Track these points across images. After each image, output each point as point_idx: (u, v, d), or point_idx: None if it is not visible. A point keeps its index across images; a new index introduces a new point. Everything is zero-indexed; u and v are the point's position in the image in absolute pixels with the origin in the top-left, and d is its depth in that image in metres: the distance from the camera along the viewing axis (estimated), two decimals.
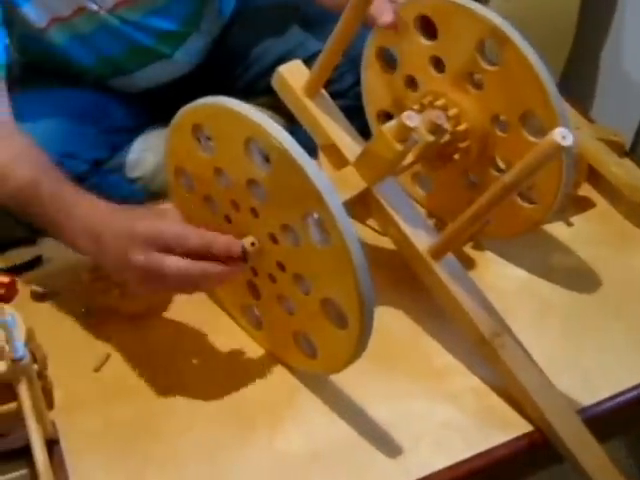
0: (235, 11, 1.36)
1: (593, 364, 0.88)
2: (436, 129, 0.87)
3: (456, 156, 0.93)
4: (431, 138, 0.87)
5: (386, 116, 1.00)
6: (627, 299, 0.95)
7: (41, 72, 1.27)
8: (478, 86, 0.89)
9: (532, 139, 0.86)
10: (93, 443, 0.80)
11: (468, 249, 1.00)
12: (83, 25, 1.16)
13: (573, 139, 0.65)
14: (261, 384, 0.85)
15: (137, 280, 0.78)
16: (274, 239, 0.77)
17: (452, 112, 0.90)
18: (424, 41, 0.91)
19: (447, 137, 0.90)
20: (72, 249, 0.83)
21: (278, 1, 1.35)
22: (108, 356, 0.87)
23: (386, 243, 0.91)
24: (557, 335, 0.91)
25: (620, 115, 1.59)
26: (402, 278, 0.89)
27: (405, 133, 0.79)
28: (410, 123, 0.77)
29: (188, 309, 0.92)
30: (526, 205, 0.91)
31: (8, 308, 0.83)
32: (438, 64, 0.91)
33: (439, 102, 0.90)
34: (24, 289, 0.93)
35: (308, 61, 0.93)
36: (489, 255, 0.99)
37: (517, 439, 0.81)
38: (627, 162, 1.06)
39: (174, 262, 0.74)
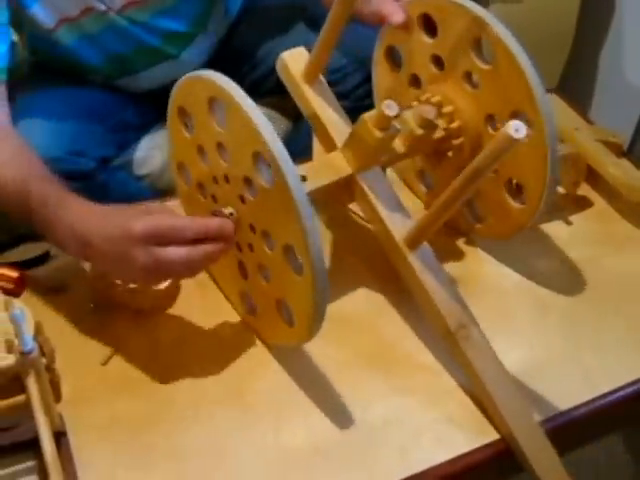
0: (242, 10, 1.36)
1: (592, 361, 0.88)
2: (427, 124, 0.88)
3: (450, 153, 0.94)
4: (420, 131, 0.88)
5: None
6: (625, 297, 0.95)
7: (50, 71, 1.27)
8: (474, 85, 0.90)
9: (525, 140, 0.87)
10: (100, 435, 0.81)
11: (469, 249, 1.01)
12: (90, 25, 1.17)
13: (526, 132, 0.66)
14: (266, 380, 0.86)
15: (143, 276, 0.80)
16: (243, 199, 0.80)
17: (446, 109, 0.91)
18: (426, 39, 0.93)
19: (441, 133, 0.91)
20: (66, 253, 0.84)
21: (285, 1, 1.36)
22: (115, 350, 0.88)
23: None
24: (556, 333, 0.92)
25: (618, 116, 1.60)
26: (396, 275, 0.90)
27: (385, 121, 0.81)
28: (389, 112, 0.79)
29: (194, 304, 0.93)
30: (516, 206, 0.92)
31: (17, 302, 0.83)
32: (438, 62, 0.93)
33: (435, 99, 0.92)
34: (33, 284, 0.93)
35: None
36: (489, 254, 1.00)
37: None
38: (625, 162, 1.07)
39: (176, 252, 0.77)
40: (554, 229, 1.03)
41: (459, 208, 0.79)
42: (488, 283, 0.96)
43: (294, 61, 0.93)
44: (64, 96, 1.22)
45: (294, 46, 0.94)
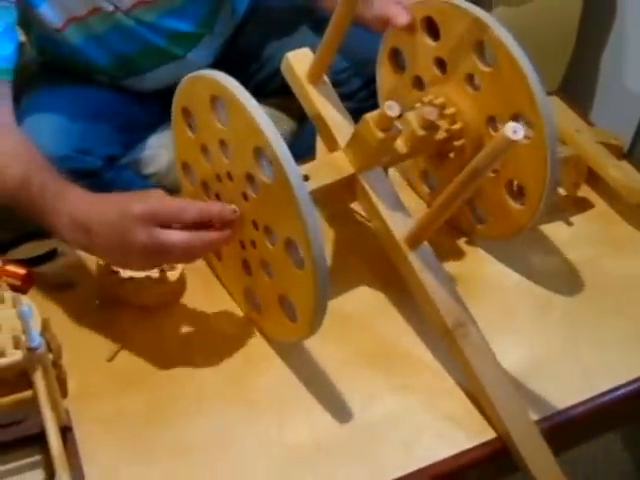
0: (248, 10, 1.36)
1: (592, 359, 0.89)
2: (429, 125, 0.89)
3: (451, 155, 0.95)
4: (422, 132, 0.89)
5: None
6: (625, 297, 0.96)
7: (58, 71, 1.28)
8: (476, 87, 0.91)
9: (524, 141, 0.87)
10: (105, 430, 0.81)
11: (470, 249, 1.01)
12: (97, 25, 1.17)
13: (525, 134, 0.67)
14: (269, 376, 0.87)
15: (141, 259, 0.80)
16: (245, 196, 0.80)
17: (449, 111, 0.92)
18: (429, 42, 0.93)
19: (443, 135, 0.92)
20: (66, 244, 0.85)
21: (290, 2, 1.37)
22: (121, 346, 0.89)
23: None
24: (556, 332, 0.92)
25: (619, 119, 1.60)
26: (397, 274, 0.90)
27: (387, 122, 0.82)
28: (391, 113, 0.80)
29: (198, 301, 0.94)
30: (517, 207, 0.92)
31: (25, 299, 0.84)
32: (441, 64, 0.93)
33: (438, 100, 0.92)
34: (40, 281, 0.94)
35: None
36: (490, 254, 1.01)
37: None
38: (625, 164, 1.07)
39: (176, 235, 0.77)
40: (555, 230, 1.03)
41: (461, 208, 0.80)
42: (489, 282, 0.97)
43: (299, 62, 0.94)
44: (71, 95, 1.23)
45: (299, 47, 0.95)
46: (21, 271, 0.92)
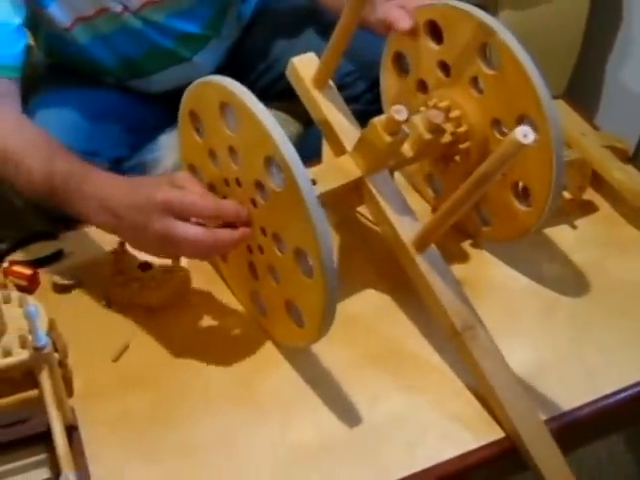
0: (255, 13, 1.37)
1: (597, 361, 0.89)
2: (435, 128, 0.90)
3: (457, 158, 0.95)
4: (428, 136, 0.90)
5: None
6: (630, 299, 0.96)
7: (66, 73, 1.29)
8: (480, 90, 0.91)
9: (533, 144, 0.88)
10: (111, 430, 0.82)
11: (475, 252, 1.01)
12: (104, 26, 1.18)
13: (534, 138, 0.67)
14: (274, 377, 0.87)
15: (156, 247, 0.82)
16: (254, 203, 0.81)
17: (454, 114, 0.92)
18: (433, 45, 0.94)
19: (449, 138, 0.92)
20: (94, 226, 0.86)
21: (297, 5, 1.37)
22: (126, 346, 0.89)
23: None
24: (561, 334, 0.92)
25: (624, 122, 1.61)
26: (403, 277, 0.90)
27: (394, 126, 0.82)
28: (398, 117, 0.80)
29: (204, 302, 0.94)
30: (522, 209, 0.92)
31: (31, 299, 0.84)
32: (445, 68, 0.94)
33: (443, 104, 0.93)
34: (46, 281, 0.95)
35: None
36: (495, 257, 1.01)
37: None
38: (630, 168, 1.08)
39: (189, 229, 0.78)
40: (560, 233, 1.03)
41: (467, 211, 0.80)
42: (494, 285, 0.97)
43: (304, 66, 0.94)
44: (79, 97, 1.23)
45: (305, 51, 0.95)
46: (27, 271, 0.93)
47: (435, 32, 0.93)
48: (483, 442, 0.81)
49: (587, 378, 0.87)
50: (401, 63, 1.01)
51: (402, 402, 0.85)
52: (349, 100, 0.96)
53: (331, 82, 0.94)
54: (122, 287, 0.92)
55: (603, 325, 0.93)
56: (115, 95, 1.28)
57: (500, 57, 0.86)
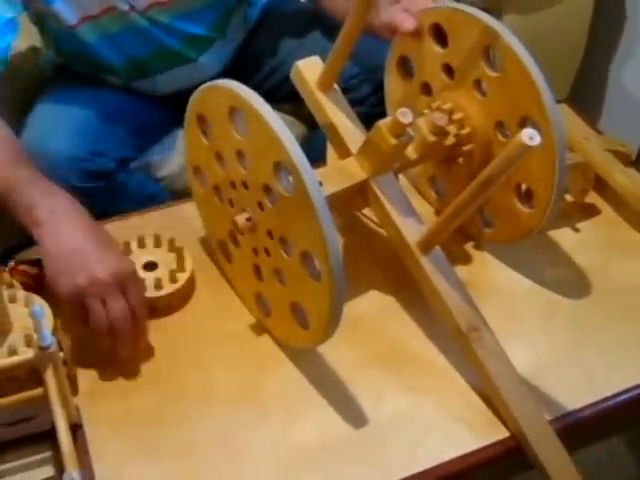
0: (260, 16, 1.37)
1: (598, 363, 0.89)
2: (438, 130, 0.90)
3: (460, 160, 0.95)
4: (432, 138, 0.90)
5: None
6: (631, 302, 0.96)
7: (73, 73, 1.29)
8: (484, 93, 0.92)
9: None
10: (115, 428, 0.82)
11: (478, 254, 1.02)
12: (110, 24, 1.18)
13: (540, 140, 0.67)
14: (277, 377, 0.87)
15: (66, 298, 0.82)
16: (261, 206, 0.81)
17: (457, 116, 0.93)
18: (437, 48, 0.94)
19: (452, 140, 0.93)
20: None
21: (303, 8, 1.37)
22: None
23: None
24: (563, 336, 0.93)
25: (627, 126, 1.61)
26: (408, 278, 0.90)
27: (399, 129, 0.82)
28: (404, 119, 0.81)
29: (208, 303, 0.94)
30: (525, 210, 0.93)
31: (37, 298, 0.85)
32: (449, 70, 0.94)
33: (446, 106, 0.93)
34: None
35: None
36: (498, 259, 1.01)
37: None
38: (633, 172, 1.08)
39: (98, 310, 0.81)
40: (562, 236, 1.04)
41: (470, 214, 0.80)
42: (496, 287, 0.98)
43: (308, 70, 0.95)
44: (86, 98, 1.23)
45: (311, 54, 0.96)
46: (33, 271, 0.93)
47: (439, 35, 0.94)
48: (486, 442, 0.82)
49: (588, 380, 0.88)
50: (405, 66, 1.01)
51: (406, 402, 0.85)
52: (354, 103, 0.96)
53: (336, 85, 0.95)
54: None
55: (604, 328, 0.93)
56: (121, 96, 1.29)
57: (504, 60, 0.87)
